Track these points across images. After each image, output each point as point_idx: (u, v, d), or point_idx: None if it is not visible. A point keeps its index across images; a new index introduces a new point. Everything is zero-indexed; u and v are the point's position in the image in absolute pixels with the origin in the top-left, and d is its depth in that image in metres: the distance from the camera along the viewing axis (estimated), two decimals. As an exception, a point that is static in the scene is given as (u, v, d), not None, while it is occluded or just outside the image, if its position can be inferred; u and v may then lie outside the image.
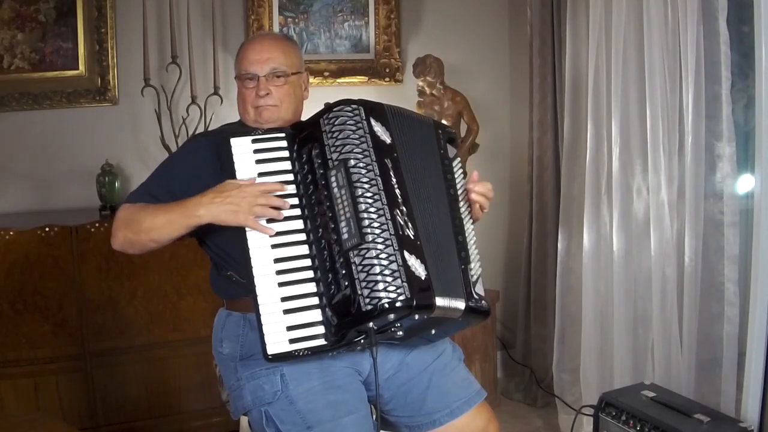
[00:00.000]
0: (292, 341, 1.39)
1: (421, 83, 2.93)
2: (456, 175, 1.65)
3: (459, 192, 1.64)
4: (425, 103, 2.95)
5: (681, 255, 2.19)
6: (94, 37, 2.85)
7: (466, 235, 1.60)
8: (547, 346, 2.96)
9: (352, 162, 1.43)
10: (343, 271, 1.38)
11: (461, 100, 2.96)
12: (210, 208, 1.45)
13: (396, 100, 3.08)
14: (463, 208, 1.63)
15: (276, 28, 3.02)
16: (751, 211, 1.97)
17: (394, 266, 1.36)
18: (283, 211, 1.46)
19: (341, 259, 1.39)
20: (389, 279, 1.35)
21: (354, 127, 1.46)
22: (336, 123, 1.47)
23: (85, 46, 2.85)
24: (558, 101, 2.89)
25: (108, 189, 2.76)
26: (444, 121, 2.92)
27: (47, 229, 2.48)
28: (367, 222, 1.39)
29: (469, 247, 1.59)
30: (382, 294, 1.34)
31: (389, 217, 1.40)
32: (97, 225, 2.53)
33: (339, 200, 1.41)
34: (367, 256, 1.37)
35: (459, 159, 1.70)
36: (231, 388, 1.62)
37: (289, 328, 1.40)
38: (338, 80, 3.13)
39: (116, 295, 2.54)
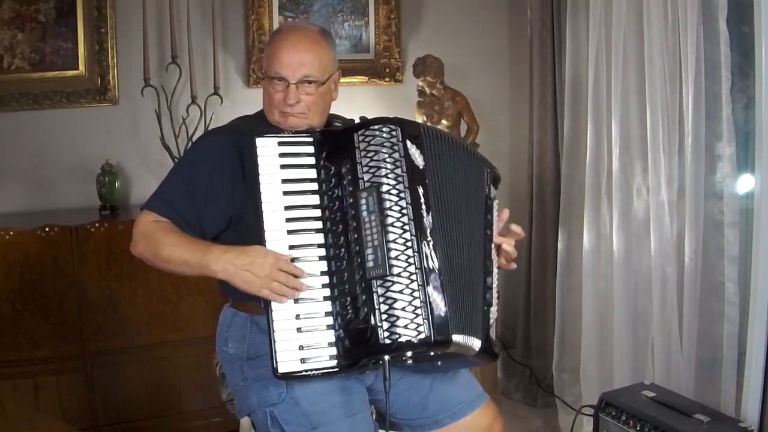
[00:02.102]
0: (303, 361, 1.37)
1: (421, 83, 2.93)
2: (495, 217, 1.62)
3: (492, 234, 1.61)
4: (425, 103, 2.95)
5: (681, 255, 2.19)
6: (94, 37, 2.85)
7: (494, 278, 1.58)
8: (547, 346, 2.96)
9: (385, 187, 1.39)
10: (364, 297, 1.36)
11: (461, 100, 2.95)
12: (228, 270, 1.41)
13: (396, 100, 3.12)
14: (495, 250, 1.61)
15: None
16: (751, 211, 1.97)
17: (417, 302, 1.34)
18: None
19: (363, 285, 1.36)
20: (411, 316, 1.34)
21: (390, 150, 1.41)
22: (372, 142, 1.41)
23: (85, 46, 2.85)
24: (558, 101, 2.89)
25: (108, 189, 2.76)
26: (444, 121, 2.92)
27: (47, 229, 2.48)
28: (394, 253, 1.36)
29: (492, 292, 1.56)
30: (402, 330, 1.33)
31: (416, 250, 1.37)
32: (97, 225, 2.53)
33: (367, 225, 1.38)
34: (391, 288, 1.35)
35: (497, 202, 1.66)
36: (236, 387, 1.61)
37: (302, 348, 1.38)
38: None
39: (116, 295, 2.54)
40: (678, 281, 2.21)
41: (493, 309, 1.56)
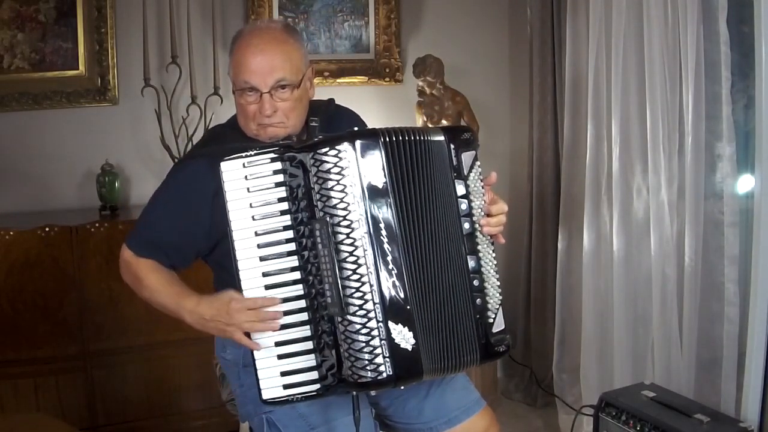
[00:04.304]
0: (286, 387, 1.37)
1: (421, 83, 2.93)
2: (473, 191, 1.46)
3: (476, 217, 1.46)
4: (425, 103, 2.95)
5: (681, 255, 2.19)
6: (94, 37, 2.85)
7: (483, 270, 1.46)
8: (547, 346, 2.96)
9: (336, 219, 1.32)
10: (329, 330, 1.35)
11: (461, 100, 2.95)
12: (200, 323, 1.43)
13: (396, 100, 3.12)
14: (481, 238, 1.47)
15: (276, 28, 3.02)
16: (751, 211, 1.97)
17: (376, 341, 1.32)
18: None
19: (327, 319, 1.35)
20: (369, 357, 1.32)
21: (339, 176, 1.32)
22: (320, 168, 1.33)
23: (85, 46, 2.85)
24: (558, 101, 2.89)
25: (108, 189, 2.76)
26: (444, 121, 2.92)
27: (47, 229, 2.48)
28: (349, 291, 1.32)
29: (487, 285, 1.46)
30: (362, 372, 1.32)
31: (374, 283, 1.32)
32: (97, 225, 2.53)
33: (323, 258, 1.33)
34: (348, 328, 1.32)
35: (479, 164, 1.48)
36: (235, 393, 1.63)
37: (284, 374, 1.37)
38: (338, 80, 3.12)
39: (116, 295, 2.54)
40: (678, 281, 2.21)
41: (492, 303, 1.46)
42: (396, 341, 1.33)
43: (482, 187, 1.49)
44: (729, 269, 2.03)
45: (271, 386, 1.37)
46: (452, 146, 1.46)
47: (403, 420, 1.66)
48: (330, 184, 1.33)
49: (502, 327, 1.47)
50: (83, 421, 2.52)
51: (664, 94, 2.21)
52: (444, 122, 2.92)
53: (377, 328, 1.32)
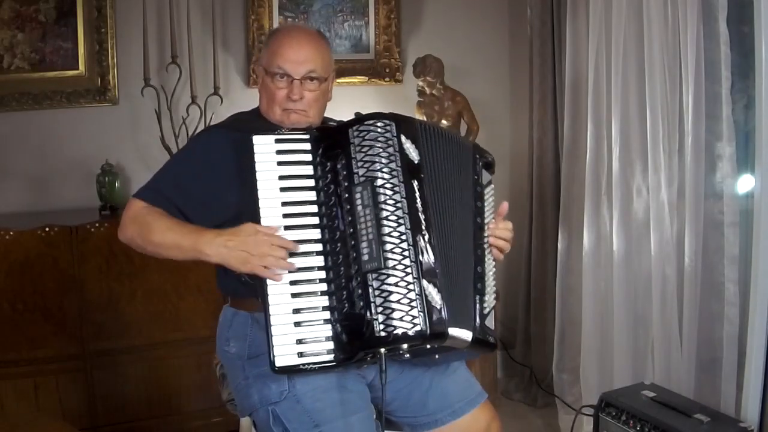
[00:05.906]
0: (300, 355, 1.37)
1: (421, 83, 2.93)
2: (486, 203, 1.61)
3: (486, 221, 1.60)
4: (425, 103, 2.95)
5: (681, 255, 2.19)
6: (94, 37, 2.85)
7: (486, 266, 1.56)
8: (547, 346, 2.96)
9: (380, 182, 1.40)
10: (359, 291, 1.37)
11: (461, 100, 2.95)
12: (221, 252, 1.42)
13: (396, 100, 3.12)
14: (487, 238, 1.59)
15: (276, 28, 3.02)
16: (751, 211, 1.97)
17: (412, 295, 1.35)
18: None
19: (358, 278, 1.37)
20: (406, 308, 1.34)
21: (384, 144, 1.43)
22: (366, 137, 1.43)
23: (85, 46, 2.85)
24: (558, 101, 2.89)
25: (108, 189, 2.76)
26: (444, 121, 2.92)
27: (47, 229, 2.48)
28: (389, 246, 1.37)
29: (486, 278, 1.55)
30: (397, 323, 1.34)
31: (411, 243, 1.38)
32: (97, 225, 2.53)
33: (362, 219, 1.39)
34: (386, 281, 1.35)
35: (492, 186, 1.65)
36: (237, 387, 1.61)
37: (299, 342, 1.38)
38: (338, 80, 3.10)
39: (116, 295, 2.54)
40: (678, 281, 2.21)
41: (488, 297, 1.54)
42: (428, 298, 1.37)
43: (493, 207, 1.63)
44: (729, 269, 2.03)
45: (286, 353, 1.37)
46: (477, 156, 1.64)
47: (408, 414, 1.67)
48: (376, 150, 1.43)
49: (492, 327, 1.54)
50: (83, 421, 2.53)
51: (664, 94, 2.21)
52: (444, 122, 2.92)
53: (414, 283, 1.36)
